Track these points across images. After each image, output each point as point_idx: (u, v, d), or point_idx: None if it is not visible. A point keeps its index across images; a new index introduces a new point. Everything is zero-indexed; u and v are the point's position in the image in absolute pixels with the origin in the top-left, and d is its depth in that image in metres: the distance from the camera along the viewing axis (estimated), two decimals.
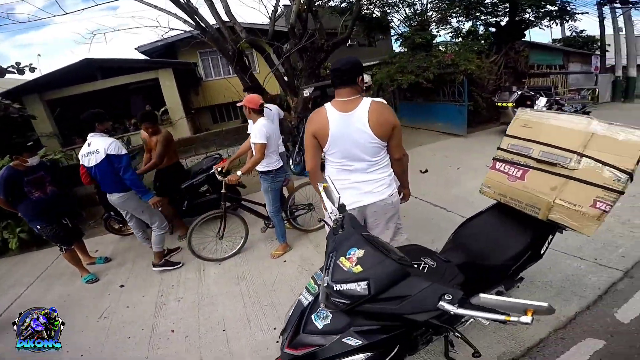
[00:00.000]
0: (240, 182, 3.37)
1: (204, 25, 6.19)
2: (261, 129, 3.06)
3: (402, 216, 2.33)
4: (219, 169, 3.47)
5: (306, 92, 5.77)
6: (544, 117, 1.99)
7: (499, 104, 7.56)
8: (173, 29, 6.87)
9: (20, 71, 7.77)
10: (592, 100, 11.09)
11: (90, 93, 9.90)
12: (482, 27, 10.48)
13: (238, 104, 3.43)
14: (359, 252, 1.17)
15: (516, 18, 9.52)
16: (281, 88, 7.37)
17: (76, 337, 2.75)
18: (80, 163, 3.27)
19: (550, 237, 2.01)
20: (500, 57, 9.39)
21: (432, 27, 9.93)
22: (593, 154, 1.71)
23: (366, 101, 1.86)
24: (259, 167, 3.24)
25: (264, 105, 3.33)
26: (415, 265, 1.50)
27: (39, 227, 3.38)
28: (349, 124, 1.86)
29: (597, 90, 10.60)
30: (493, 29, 9.95)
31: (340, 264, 1.18)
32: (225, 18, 6.67)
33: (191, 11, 6.05)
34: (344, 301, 1.13)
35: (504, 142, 2.12)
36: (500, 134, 7.16)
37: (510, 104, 7.33)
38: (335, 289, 1.14)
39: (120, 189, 3.21)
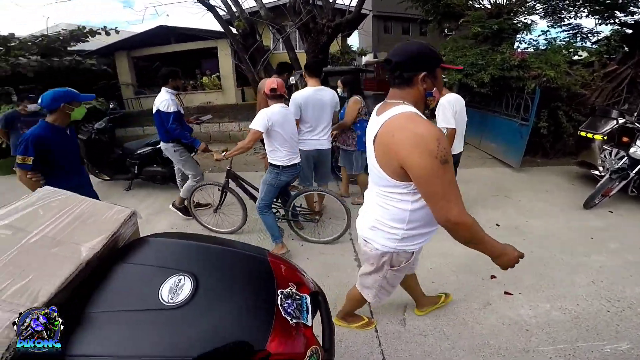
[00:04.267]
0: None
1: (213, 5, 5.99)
2: (261, 115, 2.74)
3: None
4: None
5: (292, 79, 4.93)
6: None
7: (582, 133, 5.17)
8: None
9: (107, 33, 9.00)
10: None
11: (167, 54, 11.00)
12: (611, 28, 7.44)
13: None
14: None
15: None
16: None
17: None
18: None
19: None
20: (628, 67, 6.51)
21: (525, 17, 7.44)
22: None
23: (394, 110, 1.30)
24: (269, 158, 2.98)
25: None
26: None
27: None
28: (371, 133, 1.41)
29: None
30: (629, 30, 6.90)
31: None
32: None
33: None
34: None
35: None
36: (568, 178, 5.10)
37: (598, 136, 4.93)
38: None
39: (165, 140, 3.69)
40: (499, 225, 3.78)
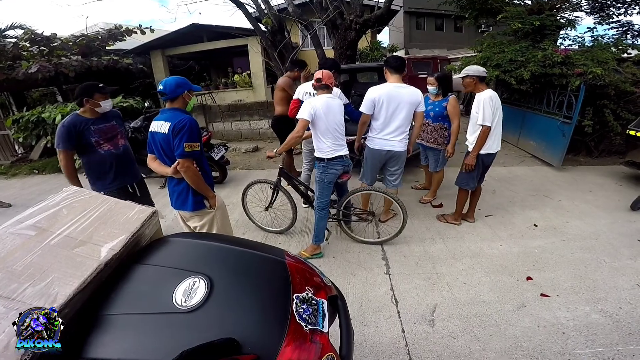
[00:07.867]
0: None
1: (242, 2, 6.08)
2: (306, 104, 2.75)
3: None
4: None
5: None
6: None
7: (632, 132, 4.87)
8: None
9: (142, 32, 9.25)
10: None
11: (200, 52, 11.22)
12: None
13: None
14: None
15: None
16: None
17: None
18: (296, 97, 3.74)
19: None
20: None
21: (569, 14, 7.05)
22: None
23: None
24: (316, 152, 2.94)
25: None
26: None
27: (102, 192, 2.21)
28: None
29: None
30: None
31: None
32: None
33: None
34: None
35: None
36: (614, 178, 4.82)
37: None
38: None
39: None
40: (536, 226, 3.62)
